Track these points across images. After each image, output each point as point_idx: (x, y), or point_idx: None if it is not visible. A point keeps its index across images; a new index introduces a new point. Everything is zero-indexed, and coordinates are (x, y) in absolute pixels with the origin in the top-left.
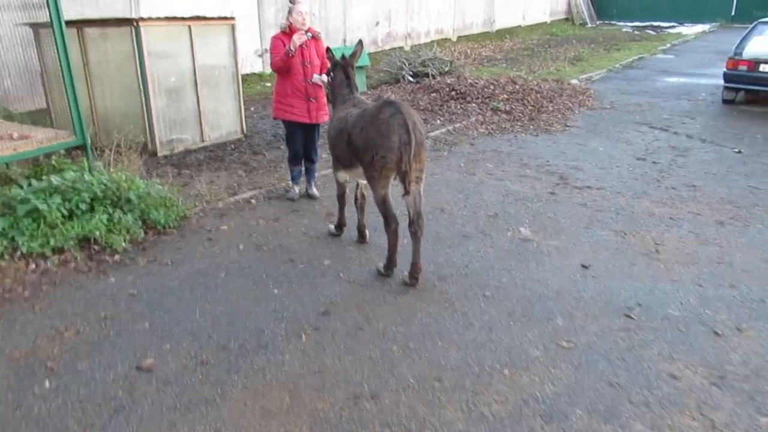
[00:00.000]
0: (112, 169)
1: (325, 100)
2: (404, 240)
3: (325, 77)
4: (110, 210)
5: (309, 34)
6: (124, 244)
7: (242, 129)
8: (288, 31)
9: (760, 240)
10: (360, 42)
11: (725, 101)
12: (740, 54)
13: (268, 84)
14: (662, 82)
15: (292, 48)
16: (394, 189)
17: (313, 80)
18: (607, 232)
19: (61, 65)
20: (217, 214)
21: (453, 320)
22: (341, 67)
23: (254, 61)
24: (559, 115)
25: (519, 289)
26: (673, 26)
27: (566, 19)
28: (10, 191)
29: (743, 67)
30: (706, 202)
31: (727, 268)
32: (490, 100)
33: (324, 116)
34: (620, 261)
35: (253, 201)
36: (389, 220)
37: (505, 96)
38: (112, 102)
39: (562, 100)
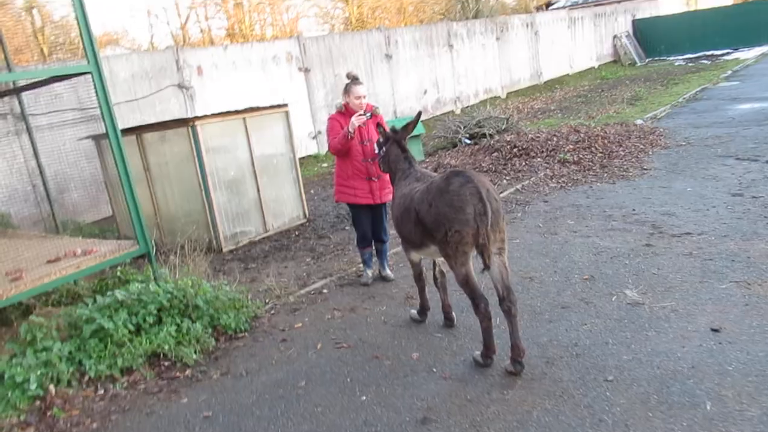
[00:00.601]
0: (177, 275)
1: (388, 177)
2: (496, 319)
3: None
4: (178, 320)
5: (368, 113)
6: (194, 355)
7: (304, 213)
8: (344, 111)
9: None
10: (419, 113)
11: None
12: None
13: (325, 165)
14: (735, 110)
15: (350, 130)
16: (475, 262)
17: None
18: (728, 285)
19: (119, 174)
20: (289, 309)
21: (578, 416)
22: (394, 142)
23: (308, 144)
24: (633, 159)
25: (646, 367)
26: (728, 53)
27: (614, 62)
28: (76, 311)
29: None
30: None
31: None
32: (555, 153)
33: (388, 195)
34: (756, 319)
35: (325, 291)
36: (476, 300)
37: (571, 146)
38: (174, 202)
39: (631, 142)
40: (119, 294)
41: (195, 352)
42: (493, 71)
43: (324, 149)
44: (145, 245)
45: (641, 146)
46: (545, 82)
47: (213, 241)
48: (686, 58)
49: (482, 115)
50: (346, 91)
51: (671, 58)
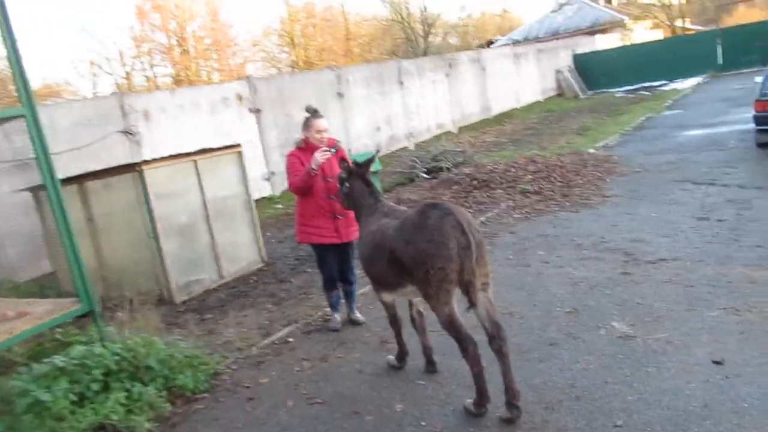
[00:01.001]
0: (126, 333)
1: (353, 215)
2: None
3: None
4: (128, 384)
5: (332, 149)
6: (147, 424)
7: (262, 257)
8: (305, 146)
9: None
10: (377, 152)
11: (760, 144)
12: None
13: (280, 206)
14: (683, 137)
15: (313, 167)
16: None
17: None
18: (717, 312)
19: (59, 226)
20: (252, 363)
21: None
22: (357, 176)
23: (262, 186)
24: (592, 187)
25: (655, 408)
26: (665, 84)
27: (559, 95)
28: (8, 382)
29: None
30: None
31: None
32: (515, 183)
33: (355, 232)
34: (756, 348)
35: (291, 339)
36: (464, 342)
37: (530, 176)
38: (121, 253)
39: (588, 170)
40: (59, 360)
41: (148, 420)
42: (444, 106)
43: (279, 190)
44: (88, 302)
45: (598, 174)
46: (495, 116)
47: (164, 292)
48: (626, 90)
49: (438, 149)
50: (306, 125)
51: (612, 90)
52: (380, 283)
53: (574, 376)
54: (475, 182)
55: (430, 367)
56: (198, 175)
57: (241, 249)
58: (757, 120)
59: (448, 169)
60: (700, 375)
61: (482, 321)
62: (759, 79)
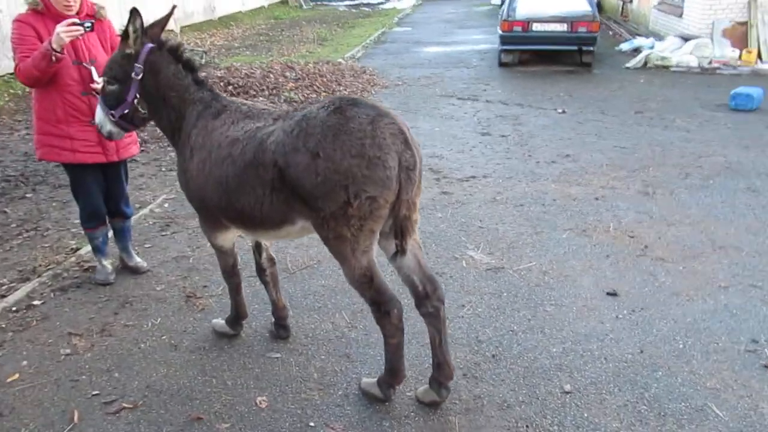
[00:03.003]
0: None
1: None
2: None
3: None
4: None
5: (87, 23)
6: None
7: None
8: (43, 10)
9: (714, 203)
10: (174, 6)
11: (503, 64)
12: (513, 16)
13: None
14: (426, 53)
15: (55, 47)
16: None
17: (97, 86)
18: (567, 234)
19: None
20: None
21: None
22: (167, 51)
23: None
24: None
25: (593, 361)
26: (383, 2)
27: (283, 2)
28: None
29: (518, 28)
30: (601, 173)
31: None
32: (277, 91)
33: (132, 147)
34: (636, 274)
35: (37, 302)
36: (387, 304)
37: (292, 84)
38: None
39: (347, 81)
40: None
41: None
42: (164, 2)
43: None
44: None
45: (360, 85)
46: (219, 18)
47: None
48: (347, 5)
49: None
50: None
51: (334, 4)
52: (236, 220)
53: (472, 327)
54: (230, 88)
55: (283, 332)
56: None
57: None
58: (503, 39)
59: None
60: (606, 312)
61: (409, 274)
62: (496, 1)
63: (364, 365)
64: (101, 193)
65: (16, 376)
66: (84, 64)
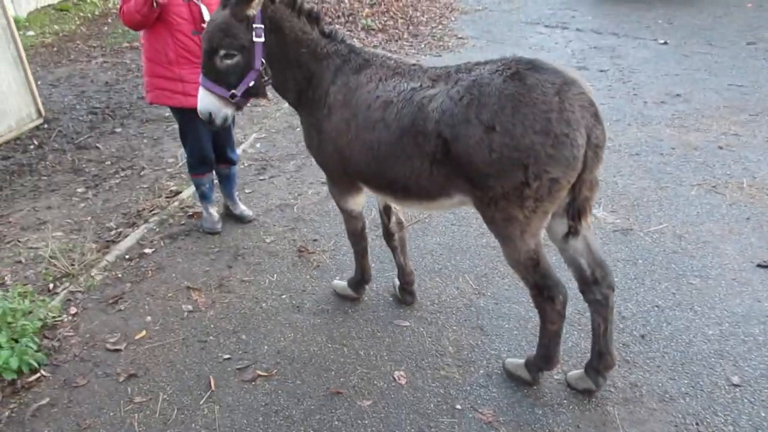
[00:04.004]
0: None
1: None
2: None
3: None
4: None
5: None
6: None
7: (39, 110)
8: None
9: None
10: None
11: None
12: None
13: (31, 33)
14: None
15: None
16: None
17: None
18: (696, 191)
19: None
20: (102, 300)
21: None
22: (284, 4)
23: None
24: (440, 26)
25: (759, 348)
26: None
27: None
28: None
29: None
30: (720, 116)
31: None
32: (353, 18)
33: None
34: None
35: (148, 251)
36: (552, 289)
37: (368, 10)
38: None
39: (425, 6)
40: None
41: None
42: None
43: (25, 10)
44: None
45: (438, 11)
46: None
47: None
48: None
49: None
50: None
51: None
52: (383, 188)
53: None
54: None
55: (409, 297)
56: None
57: (7, 99)
58: None
59: None
60: (761, 288)
61: (576, 257)
62: None
63: (501, 340)
64: (210, 140)
65: (143, 333)
66: (194, 0)
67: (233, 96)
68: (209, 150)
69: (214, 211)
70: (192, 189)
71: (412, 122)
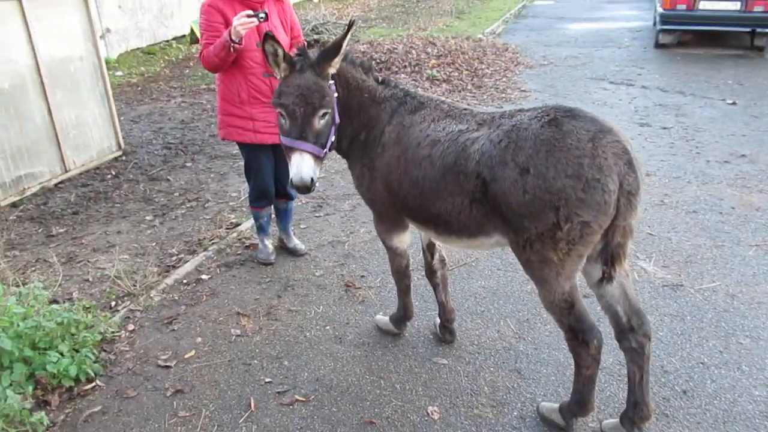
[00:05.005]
0: None
1: None
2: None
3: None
4: None
5: (263, 12)
6: None
7: (119, 143)
8: None
9: None
10: (352, 21)
11: (660, 45)
12: None
13: (119, 73)
14: (571, 30)
15: (234, 39)
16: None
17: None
18: (753, 251)
19: None
20: (158, 319)
21: None
22: (347, 62)
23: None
24: (504, 78)
25: None
26: None
27: None
28: None
29: (682, 6)
30: None
31: None
32: (419, 68)
33: None
34: None
35: (204, 277)
36: (586, 333)
37: (434, 61)
38: None
39: (490, 59)
40: None
41: None
42: None
43: (116, 52)
44: None
45: (503, 64)
46: None
47: None
48: None
49: (318, 19)
50: None
51: None
52: (427, 223)
53: (655, 354)
54: (373, 63)
55: (449, 336)
56: (25, 20)
57: (92, 132)
58: (664, 18)
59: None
60: None
61: (612, 304)
62: None
63: (538, 384)
64: (272, 175)
65: (193, 353)
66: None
67: (325, 152)
68: (270, 184)
69: (269, 244)
70: (250, 222)
71: (455, 161)
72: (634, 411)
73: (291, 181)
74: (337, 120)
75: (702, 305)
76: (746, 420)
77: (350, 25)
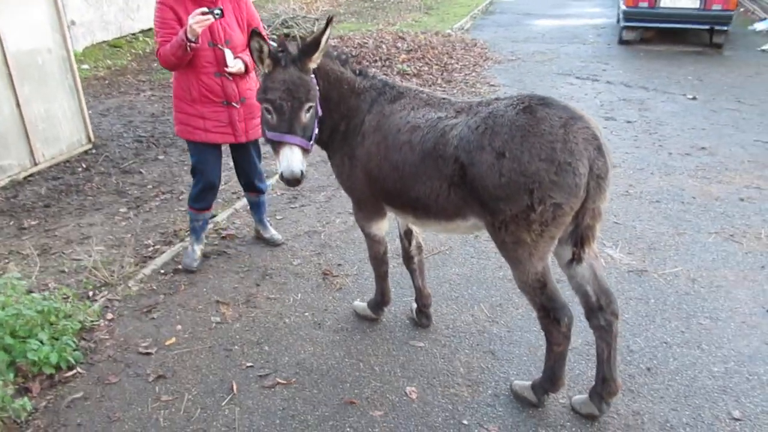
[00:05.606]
0: None
1: (253, 101)
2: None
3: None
4: None
5: (218, 9)
6: None
7: (89, 136)
8: None
9: None
10: (330, 17)
11: (623, 41)
12: None
13: (85, 66)
14: (537, 27)
15: (190, 36)
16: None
17: (229, 69)
18: (713, 238)
19: None
20: (137, 308)
21: None
22: (329, 57)
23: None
24: (473, 73)
25: (762, 387)
26: None
27: None
28: None
29: (644, 4)
30: (744, 170)
31: None
32: (390, 63)
33: (257, 129)
34: None
35: (182, 267)
36: (558, 312)
37: (404, 56)
38: None
39: (459, 54)
40: None
41: None
42: None
43: (81, 45)
44: None
45: (472, 59)
46: None
47: None
48: None
49: (288, 13)
50: None
51: None
52: (405, 207)
53: (622, 335)
54: (350, 55)
55: (425, 320)
56: None
57: (61, 125)
58: (627, 15)
59: (302, 38)
60: None
61: (582, 284)
62: None
63: (511, 365)
64: (220, 173)
65: (173, 340)
66: (219, 46)
67: (311, 146)
68: (217, 181)
69: (198, 250)
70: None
71: (434, 146)
72: (603, 386)
73: (281, 174)
74: (320, 112)
75: (665, 289)
76: (705, 394)
77: (328, 21)
